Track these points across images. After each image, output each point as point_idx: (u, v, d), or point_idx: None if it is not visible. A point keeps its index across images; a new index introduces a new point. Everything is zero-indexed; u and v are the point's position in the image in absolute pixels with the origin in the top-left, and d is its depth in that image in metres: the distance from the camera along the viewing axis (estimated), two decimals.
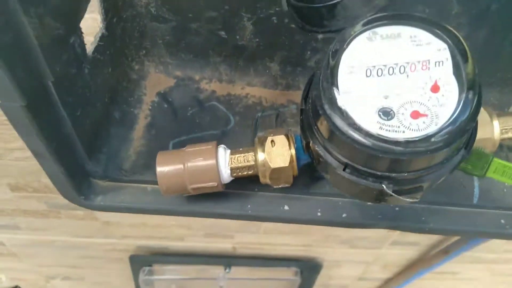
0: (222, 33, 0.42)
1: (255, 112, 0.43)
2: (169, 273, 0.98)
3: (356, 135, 0.25)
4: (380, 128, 0.25)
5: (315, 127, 0.28)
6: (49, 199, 0.73)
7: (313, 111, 0.28)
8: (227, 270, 0.98)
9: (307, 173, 0.37)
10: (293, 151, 0.33)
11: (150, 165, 0.39)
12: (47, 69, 0.28)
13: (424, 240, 0.87)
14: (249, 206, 0.38)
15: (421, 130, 0.25)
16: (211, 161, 0.33)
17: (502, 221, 0.38)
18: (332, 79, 0.26)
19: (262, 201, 0.38)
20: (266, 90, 0.45)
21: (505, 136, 0.33)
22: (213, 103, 0.44)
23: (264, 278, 0.99)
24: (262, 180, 0.33)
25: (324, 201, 0.38)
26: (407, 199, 0.28)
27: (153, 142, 0.41)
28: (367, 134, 0.25)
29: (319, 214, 0.37)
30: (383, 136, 0.25)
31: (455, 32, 0.26)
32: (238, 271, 0.99)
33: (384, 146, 0.25)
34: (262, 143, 0.33)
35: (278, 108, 0.44)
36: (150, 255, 0.96)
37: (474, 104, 0.25)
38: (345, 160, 0.27)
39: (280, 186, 0.34)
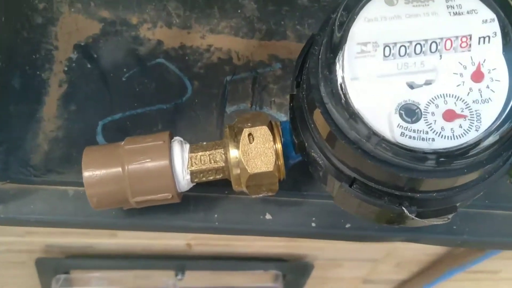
0: None
1: (222, 74, 0.44)
2: (95, 282, 0.99)
3: (367, 144, 0.26)
4: (402, 134, 0.27)
5: (311, 124, 0.29)
6: None
7: (308, 101, 0.29)
8: (179, 277, 1.00)
9: (297, 168, 0.38)
10: (279, 148, 0.34)
11: (70, 158, 0.40)
12: None
13: None
14: (216, 215, 0.40)
15: (457, 137, 0.27)
16: (163, 163, 0.34)
17: None
18: (336, 64, 0.27)
19: (234, 209, 0.40)
20: (238, 39, 0.45)
21: None
22: (159, 62, 0.44)
23: (231, 287, 1.03)
24: (235, 187, 0.35)
25: (321, 206, 0.40)
26: (435, 222, 0.30)
27: (73, 123, 0.41)
28: (384, 143, 0.26)
29: (313, 224, 0.40)
30: (405, 145, 0.26)
31: None
32: (194, 277, 1.00)
33: (406, 161, 0.26)
34: (236, 136, 0.34)
35: (255, 68, 0.45)
36: (66, 258, 0.95)
37: None
38: (353, 174, 0.28)
39: (261, 196, 0.35)
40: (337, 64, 0.27)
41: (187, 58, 0.44)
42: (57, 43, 0.44)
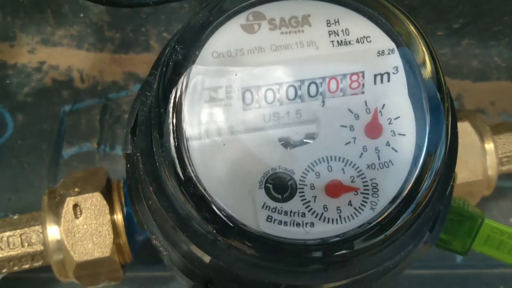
0: None
1: (58, 103, 0.41)
2: None
3: (219, 237, 0.23)
4: (269, 218, 0.23)
5: (148, 201, 0.25)
6: None
7: (143, 171, 0.24)
8: None
9: None
10: (120, 221, 0.31)
11: None
12: None
13: None
14: None
15: (345, 220, 0.23)
16: None
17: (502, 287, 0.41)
18: (169, 118, 0.22)
19: None
20: (82, 52, 0.42)
21: (507, 167, 0.34)
22: None
23: None
24: (60, 278, 0.31)
25: None
26: None
27: None
28: (241, 234, 0.23)
29: None
30: (271, 235, 0.23)
31: (412, 19, 0.24)
32: None
33: (272, 258, 0.23)
34: (57, 207, 0.30)
35: (105, 92, 0.41)
36: None
37: (444, 164, 0.23)
38: (206, 275, 0.25)
39: (101, 286, 0.31)
40: (172, 120, 0.22)
41: (8, 81, 0.41)
42: None
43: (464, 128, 0.31)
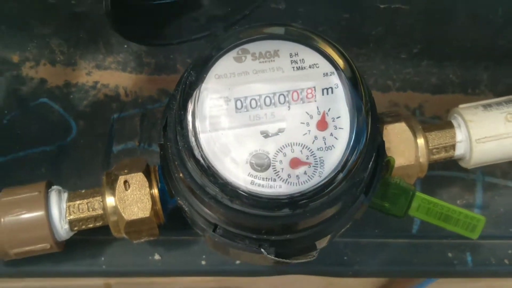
0: None
1: (109, 112, 0.51)
2: None
3: (220, 194, 0.34)
4: (252, 182, 0.34)
5: (175, 174, 0.36)
6: None
7: (171, 154, 0.36)
8: None
9: None
10: (156, 193, 0.41)
11: None
12: None
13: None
14: (103, 258, 0.47)
15: (302, 183, 0.34)
16: (39, 214, 0.41)
17: (449, 254, 0.50)
18: (188, 119, 0.34)
19: (121, 251, 0.47)
20: (126, 74, 0.53)
21: (437, 156, 0.44)
22: (42, 101, 0.51)
23: None
24: (115, 234, 0.42)
25: None
26: (298, 260, 0.37)
27: None
28: (234, 193, 0.34)
29: (203, 262, 0.47)
30: (254, 193, 0.34)
31: (343, 51, 0.35)
32: None
33: (255, 209, 0.34)
34: (112, 184, 0.41)
35: (144, 104, 0.52)
36: None
37: (366, 147, 0.34)
38: (214, 221, 0.36)
39: (142, 241, 0.42)
40: (189, 119, 0.34)
41: (71, 96, 0.51)
42: None
43: (401, 127, 0.41)
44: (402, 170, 0.42)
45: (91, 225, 0.42)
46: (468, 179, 0.53)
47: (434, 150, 0.44)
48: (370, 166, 0.35)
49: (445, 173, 0.53)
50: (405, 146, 0.42)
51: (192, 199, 0.36)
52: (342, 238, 0.49)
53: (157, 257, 0.47)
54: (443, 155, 0.44)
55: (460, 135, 0.44)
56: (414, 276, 0.54)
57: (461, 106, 0.45)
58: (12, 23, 0.50)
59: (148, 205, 0.41)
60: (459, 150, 0.44)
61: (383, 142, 0.38)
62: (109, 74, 0.52)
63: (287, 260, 0.37)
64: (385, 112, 0.44)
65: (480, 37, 0.54)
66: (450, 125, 0.44)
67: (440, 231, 0.48)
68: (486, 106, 0.44)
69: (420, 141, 0.43)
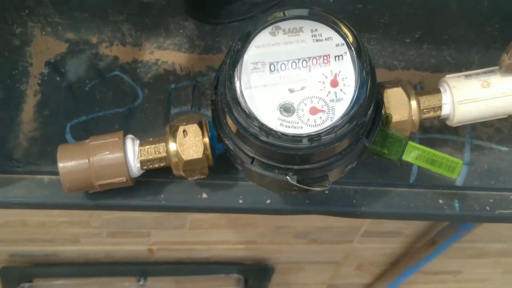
0: None
1: (167, 83, 0.63)
2: None
3: (258, 133, 0.46)
4: (281, 124, 0.46)
5: (223, 120, 0.49)
6: None
7: (221, 105, 0.48)
8: (141, 282, 1.14)
9: (228, 159, 0.57)
10: (207, 141, 0.53)
11: (45, 153, 0.59)
12: None
13: (406, 229, 1.11)
14: (162, 195, 0.59)
15: (318, 125, 0.46)
16: (118, 155, 0.53)
17: (440, 201, 0.62)
18: (235, 77, 0.46)
19: (177, 190, 0.59)
20: (181, 54, 0.65)
21: (427, 115, 0.55)
22: (116, 74, 0.64)
23: None
24: (175, 172, 0.54)
25: (246, 187, 0.59)
26: (314, 188, 0.49)
27: (46, 125, 0.61)
28: (268, 131, 0.45)
29: (240, 201, 0.59)
30: (282, 132, 0.46)
31: (351, 28, 0.47)
32: (157, 283, 1.15)
33: (283, 143, 0.46)
34: (174, 133, 0.53)
35: (195, 77, 0.64)
36: (30, 266, 1.09)
37: (366, 100, 0.46)
38: (252, 155, 0.48)
39: (195, 178, 0.55)
40: (236, 77, 0.46)
41: (138, 70, 0.63)
42: (31, 61, 0.63)
43: (398, 91, 0.51)
44: (398, 125, 0.53)
45: (156, 165, 0.54)
46: (458, 141, 0.64)
47: (425, 110, 0.55)
48: (369, 114, 0.47)
49: (440, 136, 0.64)
50: (400, 105, 0.53)
51: (235, 139, 0.48)
52: (352, 186, 0.61)
53: (204, 195, 0.59)
54: (432, 114, 0.55)
55: (445, 98, 0.55)
56: (410, 218, 0.65)
57: (447, 76, 0.56)
58: (92, 11, 0.63)
59: (201, 148, 0.53)
60: (445, 110, 0.55)
61: (382, 99, 0.50)
62: (167, 53, 0.64)
63: (306, 187, 0.49)
64: (387, 81, 0.55)
65: (471, 25, 0.65)
66: (438, 91, 0.55)
67: (433, 181, 0.60)
68: (467, 76, 0.55)
69: (413, 102, 0.54)
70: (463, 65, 0.67)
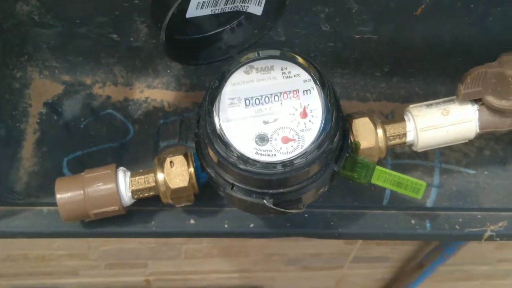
0: (114, 36, 0.66)
1: (156, 119, 0.69)
2: None
3: (236, 162, 0.51)
4: (256, 153, 0.51)
5: (206, 152, 0.54)
6: None
7: (202, 137, 0.54)
8: None
9: (212, 186, 0.62)
10: (192, 171, 0.58)
11: (44, 186, 0.64)
12: None
13: (393, 253, 1.15)
14: (153, 222, 0.64)
15: (289, 153, 0.51)
16: (111, 186, 0.58)
17: (412, 221, 0.66)
18: (214, 112, 0.52)
19: (166, 217, 0.64)
20: (169, 92, 0.70)
21: (393, 142, 0.60)
22: (108, 112, 0.69)
23: None
24: (164, 200, 0.59)
25: (231, 212, 0.64)
26: (290, 210, 0.54)
27: (45, 160, 0.66)
28: (245, 160, 0.51)
29: (226, 226, 0.64)
30: (258, 160, 0.51)
31: (317, 66, 0.53)
32: None
33: (259, 169, 0.51)
34: (162, 164, 0.58)
35: (182, 113, 0.69)
36: None
37: (332, 129, 0.52)
38: (232, 181, 0.53)
39: (182, 205, 0.60)
40: (214, 112, 0.52)
41: (129, 108, 0.69)
42: (30, 102, 0.68)
43: (365, 120, 0.56)
44: (366, 151, 0.58)
45: (146, 194, 0.59)
46: (428, 165, 0.69)
47: (391, 137, 0.60)
48: (336, 141, 0.52)
49: (411, 161, 0.69)
50: (368, 133, 0.58)
51: (217, 168, 0.53)
52: (330, 209, 0.66)
53: (192, 221, 0.63)
54: (398, 141, 0.60)
55: (409, 125, 0.60)
56: (384, 238, 0.69)
57: (411, 105, 0.61)
58: (86, 55, 0.68)
59: (187, 178, 0.58)
60: (409, 137, 0.60)
61: (349, 127, 0.56)
62: (156, 92, 0.69)
63: (283, 209, 0.54)
64: (356, 112, 0.61)
65: (435, 59, 0.70)
66: (402, 119, 0.60)
67: (405, 203, 0.64)
68: (428, 105, 0.60)
69: (379, 130, 0.58)
70: (430, 96, 0.72)
